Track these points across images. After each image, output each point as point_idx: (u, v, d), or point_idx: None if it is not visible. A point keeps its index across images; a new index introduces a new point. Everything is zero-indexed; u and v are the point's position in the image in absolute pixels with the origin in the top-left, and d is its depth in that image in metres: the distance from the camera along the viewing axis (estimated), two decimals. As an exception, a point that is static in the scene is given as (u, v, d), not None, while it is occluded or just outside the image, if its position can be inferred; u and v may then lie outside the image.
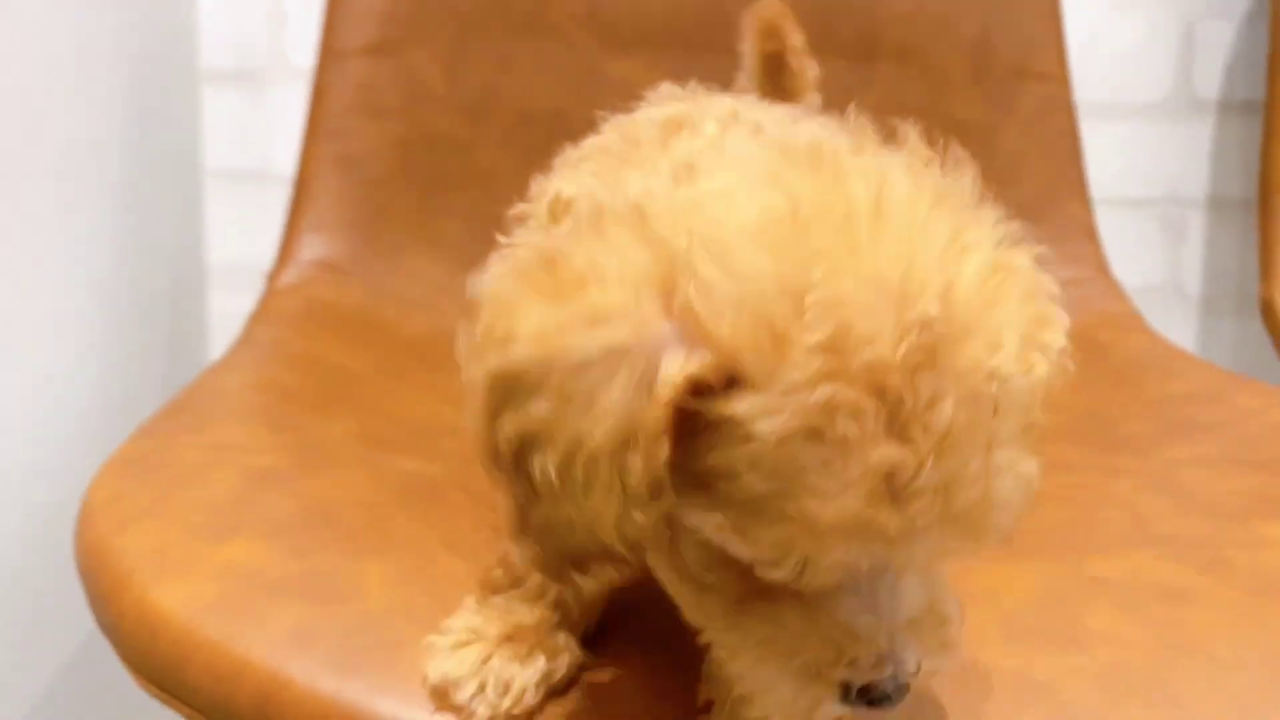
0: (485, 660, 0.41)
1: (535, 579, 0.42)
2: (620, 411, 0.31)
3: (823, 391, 0.30)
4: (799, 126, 0.45)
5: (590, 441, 0.31)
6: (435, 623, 0.44)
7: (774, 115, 0.49)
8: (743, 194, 0.33)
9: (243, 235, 1.21)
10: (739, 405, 0.31)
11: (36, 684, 0.83)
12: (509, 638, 0.42)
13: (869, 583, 0.35)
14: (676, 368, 0.31)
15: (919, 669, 0.35)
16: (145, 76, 1.03)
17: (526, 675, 0.41)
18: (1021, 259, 0.36)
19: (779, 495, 0.31)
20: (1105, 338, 0.97)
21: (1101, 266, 1.05)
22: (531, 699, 0.41)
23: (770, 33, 0.70)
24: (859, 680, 0.35)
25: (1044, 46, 1.06)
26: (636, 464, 0.31)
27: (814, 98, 0.71)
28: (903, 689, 0.35)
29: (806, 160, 0.34)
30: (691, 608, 0.37)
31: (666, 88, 0.52)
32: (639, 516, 0.32)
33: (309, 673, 0.43)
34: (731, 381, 0.31)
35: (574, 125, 1.12)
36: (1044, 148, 1.06)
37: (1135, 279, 1.25)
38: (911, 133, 0.37)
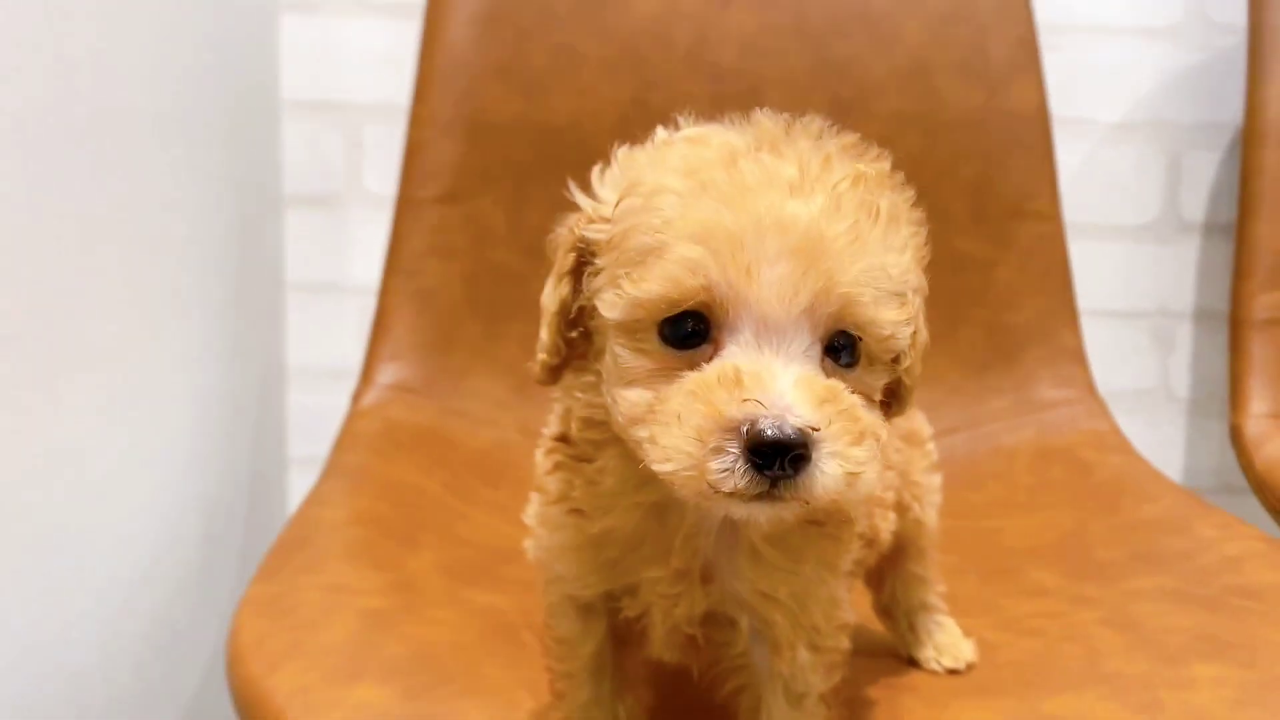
0: None
1: None
2: (558, 260, 0.49)
3: (679, 159, 0.45)
4: None
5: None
6: (522, 759, 0.58)
7: None
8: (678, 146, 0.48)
9: (319, 341, 1.35)
10: (608, 230, 0.46)
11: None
12: None
13: (757, 345, 0.42)
14: (573, 228, 0.48)
15: (817, 432, 0.40)
16: (235, 200, 1.16)
17: None
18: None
19: (658, 234, 0.43)
20: (1090, 457, 1.09)
21: (1089, 388, 1.17)
22: None
23: None
24: (746, 414, 0.40)
25: (1038, 189, 1.18)
26: (560, 291, 0.48)
27: None
28: (792, 440, 0.39)
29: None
30: (628, 407, 0.45)
31: None
32: (552, 329, 0.48)
33: (428, 801, 0.56)
34: None
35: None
36: (1038, 280, 1.18)
37: (1129, 383, 1.38)
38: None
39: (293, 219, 1.32)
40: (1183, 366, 1.38)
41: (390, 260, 1.12)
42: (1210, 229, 1.35)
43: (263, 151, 1.26)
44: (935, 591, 0.73)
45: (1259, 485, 1.02)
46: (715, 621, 0.52)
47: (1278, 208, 1.09)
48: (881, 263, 0.43)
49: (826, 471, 0.41)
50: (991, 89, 1.19)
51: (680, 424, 0.41)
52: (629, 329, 0.45)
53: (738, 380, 0.41)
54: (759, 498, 0.41)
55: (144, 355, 0.94)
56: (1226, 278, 1.34)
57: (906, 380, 0.49)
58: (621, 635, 0.56)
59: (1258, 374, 1.07)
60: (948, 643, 0.71)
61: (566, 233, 0.49)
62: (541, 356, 0.49)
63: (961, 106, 1.18)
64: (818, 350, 0.43)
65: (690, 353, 0.44)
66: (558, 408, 0.54)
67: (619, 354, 0.45)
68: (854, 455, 0.41)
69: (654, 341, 0.44)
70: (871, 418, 0.44)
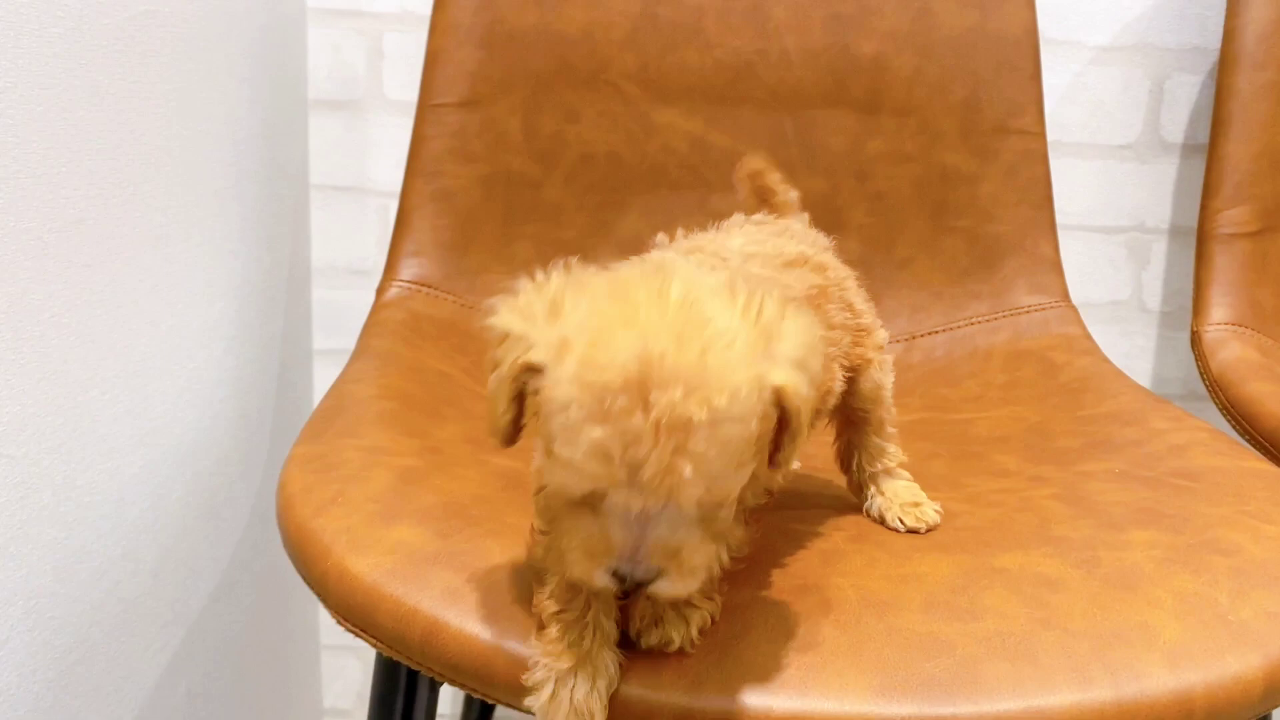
0: (570, 698, 0.61)
1: (574, 609, 0.62)
2: (500, 376, 0.57)
3: (572, 393, 0.53)
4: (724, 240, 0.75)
5: (494, 385, 0.58)
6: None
7: (732, 240, 0.75)
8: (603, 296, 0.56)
9: (340, 240, 1.43)
10: (542, 382, 0.55)
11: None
12: (574, 669, 0.61)
13: (624, 514, 0.55)
14: (513, 358, 0.56)
15: (656, 575, 0.56)
16: (264, 105, 1.23)
17: (595, 700, 0.61)
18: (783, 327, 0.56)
19: (564, 444, 0.53)
20: (1060, 359, 1.17)
21: (1064, 295, 1.25)
22: (601, 716, 0.62)
23: (755, 177, 0.91)
24: (614, 565, 0.56)
25: (1023, 107, 1.25)
26: (499, 404, 0.57)
27: (800, 215, 0.90)
28: (642, 580, 0.56)
29: (655, 275, 0.56)
30: (543, 515, 0.61)
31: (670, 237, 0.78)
32: (502, 423, 0.58)
33: (458, 619, 0.65)
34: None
35: (626, 165, 1.34)
36: (1020, 194, 1.25)
37: (1105, 294, 1.46)
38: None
39: (316, 123, 1.39)
40: (1156, 280, 1.46)
41: (411, 162, 1.19)
42: (1188, 150, 1.41)
43: (289, 58, 1.32)
44: (898, 460, 0.82)
45: (1213, 386, 1.10)
46: None
47: (1245, 129, 1.16)
48: (720, 471, 0.54)
49: (667, 588, 0.57)
50: (984, 11, 1.25)
51: (574, 563, 0.58)
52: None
53: (610, 543, 0.56)
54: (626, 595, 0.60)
55: (185, 248, 1.02)
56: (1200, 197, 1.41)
57: (787, 451, 0.60)
58: None
59: (1218, 284, 1.15)
60: (912, 505, 0.81)
61: (508, 369, 0.57)
62: (502, 434, 0.60)
63: (954, 27, 1.24)
64: (675, 509, 0.56)
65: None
66: None
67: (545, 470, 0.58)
68: (686, 581, 0.57)
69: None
70: (705, 551, 0.58)
